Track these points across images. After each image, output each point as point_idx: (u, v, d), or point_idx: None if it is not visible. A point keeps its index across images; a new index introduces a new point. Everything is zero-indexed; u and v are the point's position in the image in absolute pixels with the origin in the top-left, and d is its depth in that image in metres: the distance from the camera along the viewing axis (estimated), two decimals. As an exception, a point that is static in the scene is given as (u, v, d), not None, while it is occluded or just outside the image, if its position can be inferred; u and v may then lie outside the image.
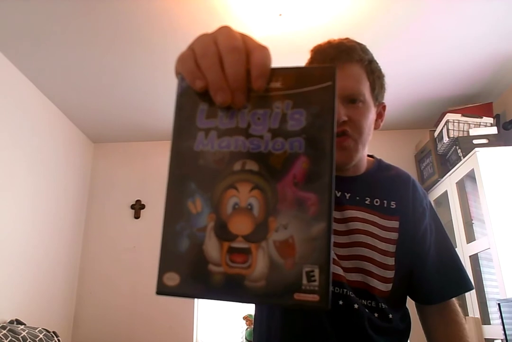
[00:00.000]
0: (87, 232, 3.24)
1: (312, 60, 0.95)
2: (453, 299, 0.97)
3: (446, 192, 2.76)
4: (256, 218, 0.39)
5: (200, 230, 0.39)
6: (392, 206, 0.91)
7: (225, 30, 0.43)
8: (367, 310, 0.86)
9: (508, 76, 2.59)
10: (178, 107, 0.43)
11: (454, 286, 0.94)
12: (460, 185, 2.60)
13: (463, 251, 2.52)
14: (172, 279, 0.40)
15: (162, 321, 2.94)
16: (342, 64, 0.88)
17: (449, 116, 2.66)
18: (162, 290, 0.40)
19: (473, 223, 2.52)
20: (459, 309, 0.97)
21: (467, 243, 2.47)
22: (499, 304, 1.96)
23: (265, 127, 0.41)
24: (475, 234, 2.48)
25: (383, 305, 0.88)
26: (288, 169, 0.39)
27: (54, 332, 2.27)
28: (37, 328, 2.17)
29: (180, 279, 0.39)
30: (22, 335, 2.00)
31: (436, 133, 2.86)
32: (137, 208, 3.25)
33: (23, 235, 2.48)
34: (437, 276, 0.93)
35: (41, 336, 2.12)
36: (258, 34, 2.16)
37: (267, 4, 1.94)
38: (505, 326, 1.91)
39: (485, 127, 2.60)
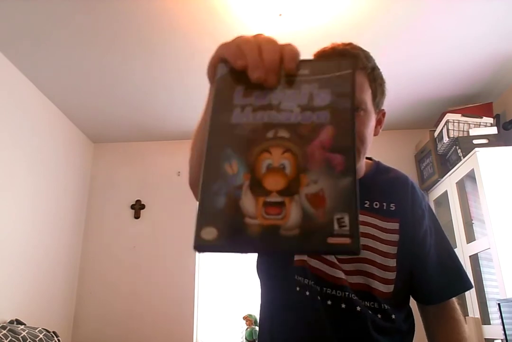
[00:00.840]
0: (87, 232, 3.24)
1: None
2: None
3: (446, 192, 2.76)
4: (288, 175, 0.42)
5: (237, 188, 0.42)
6: (392, 208, 0.92)
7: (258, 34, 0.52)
8: (370, 312, 0.87)
9: (508, 76, 2.59)
10: (217, 88, 0.48)
11: (453, 287, 0.95)
12: (460, 185, 2.60)
13: (463, 251, 2.52)
14: (210, 233, 0.41)
15: (162, 321, 2.94)
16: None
17: (449, 116, 2.66)
18: (200, 243, 0.40)
19: (473, 223, 2.52)
20: (457, 307, 0.97)
21: (467, 243, 2.47)
22: (499, 304, 1.96)
23: (295, 103, 0.46)
24: (475, 234, 2.48)
25: (385, 306, 0.89)
26: (316, 135, 0.44)
27: (54, 332, 2.27)
28: (37, 328, 2.17)
29: (218, 232, 0.40)
30: (22, 335, 2.00)
31: (436, 133, 2.86)
32: (137, 208, 3.25)
33: (23, 235, 2.48)
34: (436, 277, 0.94)
35: (41, 336, 2.11)
36: (258, 34, 2.16)
37: (267, 4, 1.94)
38: (505, 326, 1.91)
39: (485, 127, 2.60)
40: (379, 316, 0.88)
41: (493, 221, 2.17)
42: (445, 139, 2.67)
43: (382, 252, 0.89)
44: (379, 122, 0.96)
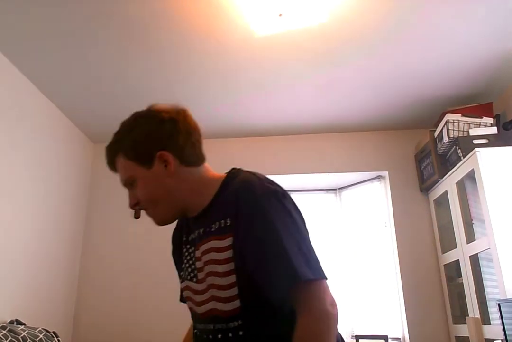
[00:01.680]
0: (87, 232, 3.24)
1: None
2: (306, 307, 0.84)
3: (446, 192, 2.76)
4: None
5: None
6: (228, 223, 0.92)
7: None
8: (224, 334, 0.91)
9: (508, 76, 2.59)
10: None
11: (282, 281, 0.84)
12: (460, 185, 2.60)
13: (463, 251, 2.52)
14: None
15: (162, 321, 2.94)
16: (112, 165, 1.04)
17: (449, 116, 2.66)
18: None
19: (473, 223, 2.52)
20: (309, 308, 0.83)
21: (467, 243, 2.47)
22: (499, 304, 1.96)
23: None
24: (475, 234, 2.48)
25: (236, 323, 0.90)
26: None
27: (54, 332, 2.27)
28: (37, 328, 2.17)
29: None
30: (22, 335, 2.00)
31: (436, 133, 2.86)
32: (137, 208, 3.24)
33: (23, 235, 2.48)
34: (261, 274, 0.87)
35: (41, 336, 2.11)
36: (258, 34, 2.16)
37: (267, 4, 1.94)
38: (505, 326, 1.91)
39: (485, 127, 2.60)
40: (230, 335, 0.90)
41: (493, 221, 2.17)
42: (445, 139, 2.67)
43: (222, 273, 0.89)
44: (165, 163, 0.97)
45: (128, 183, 1.01)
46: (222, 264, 0.90)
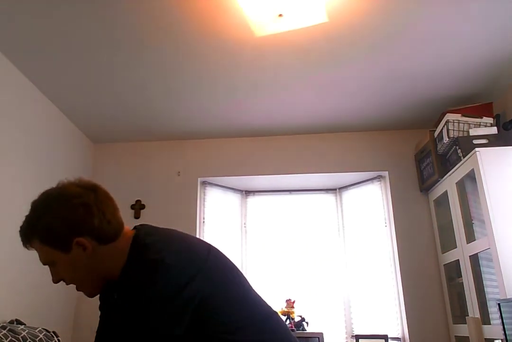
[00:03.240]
0: (87, 232, 3.23)
1: None
2: None
3: (446, 192, 2.76)
4: None
5: None
6: (115, 297, 1.02)
7: None
8: None
9: (508, 76, 2.59)
10: None
11: None
12: (460, 185, 2.60)
13: (463, 251, 2.52)
14: None
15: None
16: (28, 246, 1.02)
17: (449, 116, 2.66)
18: None
19: (473, 223, 2.52)
20: None
21: (467, 243, 2.48)
22: (499, 304, 1.96)
23: None
24: (475, 234, 2.48)
25: None
26: None
27: (54, 332, 2.26)
28: (37, 328, 2.17)
29: None
30: (22, 335, 2.00)
31: (436, 133, 2.86)
32: (137, 208, 3.25)
33: (23, 235, 2.48)
34: None
35: (41, 336, 2.11)
36: (258, 34, 2.16)
37: (267, 4, 1.94)
38: (505, 326, 1.91)
39: (485, 127, 2.60)
40: None
41: (493, 221, 2.17)
42: (445, 139, 2.67)
43: None
44: (83, 248, 0.98)
45: (47, 264, 1.03)
46: None
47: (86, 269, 1.01)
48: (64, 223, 0.98)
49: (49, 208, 1.00)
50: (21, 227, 1.05)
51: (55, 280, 1.04)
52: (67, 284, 1.04)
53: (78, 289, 1.05)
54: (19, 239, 1.06)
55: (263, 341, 0.96)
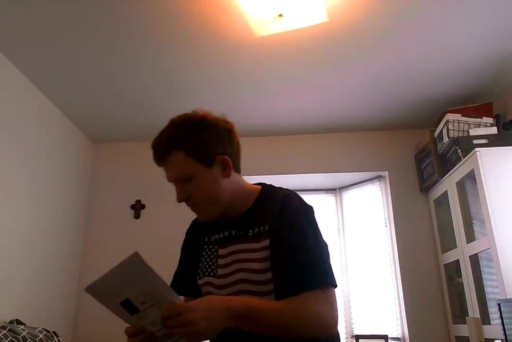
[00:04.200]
0: (87, 232, 3.24)
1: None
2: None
3: (446, 192, 2.76)
4: None
5: None
6: (266, 228, 1.04)
7: None
8: None
9: (508, 76, 2.59)
10: None
11: (301, 282, 0.96)
12: (460, 185, 2.60)
13: (463, 251, 2.52)
14: None
15: (162, 321, 2.94)
16: (163, 160, 1.06)
17: (449, 116, 2.66)
18: None
19: (473, 223, 2.52)
20: (305, 302, 0.95)
21: (467, 243, 2.47)
22: (499, 304, 1.96)
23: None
24: (475, 234, 2.48)
25: None
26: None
27: (54, 332, 2.26)
28: (37, 328, 2.17)
29: None
30: (22, 335, 2.00)
31: (436, 133, 2.86)
32: (137, 208, 3.25)
33: (23, 235, 2.48)
34: (288, 272, 0.98)
35: (41, 336, 2.11)
36: (258, 34, 2.16)
37: (267, 4, 1.94)
38: (505, 326, 1.91)
39: (485, 127, 2.60)
40: None
41: (493, 221, 2.17)
42: (445, 139, 2.67)
43: (257, 270, 1.01)
44: (224, 166, 1.07)
45: (183, 179, 1.04)
46: (259, 262, 1.01)
47: (220, 189, 1.06)
48: (214, 139, 1.06)
49: (200, 125, 1.07)
50: (158, 141, 1.07)
51: (182, 198, 1.05)
52: (189, 204, 1.07)
53: (198, 209, 1.07)
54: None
55: None
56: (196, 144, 1.04)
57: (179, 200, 1.06)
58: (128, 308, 0.83)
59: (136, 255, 0.84)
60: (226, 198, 1.07)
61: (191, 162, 1.03)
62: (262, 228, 1.05)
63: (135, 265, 0.83)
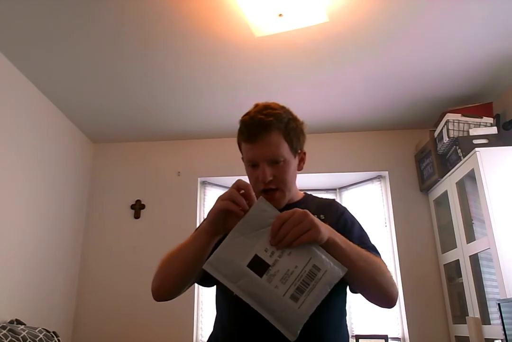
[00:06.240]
0: (87, 232, 3.24)
1: (240, 132, 1.11)
2: None
3: (446, 192, 2.76)
4: None
5: None
6: (322, 217, 1.11)
7: None
8: None
9: (508, 76, 2.59)
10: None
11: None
12: (460, 185, 2.60)
13: (463, 251, 2.52)
14: None
15: (162, 321, 2.94)
16: (262, 136, 1.05)
17: (449, 116, 2.66)
18: None
19: (473, 223, 2.52)
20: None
21: (467, 243, 2.47)
22: (499, 304, 1.96)
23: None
24: (475, 234, 2.48)
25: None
26: None
27: (54, 332, 2.26)
28: (37, 328, 2.17)
29: None
30: (22, 335, 2.00)
31: (436, 133, 2.86)
32: (137, 208, 3.25)
33: (23, 235, 2.48)
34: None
35: (41, 336, 2.11)
36: (258, 34, 2.16)
37: (267, 4, 1.94)
38: (505, 326, 1.91)
39: (485, 127, 2.60)
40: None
41: (493, 221, 2.17)
42: (445, 139, 2.67)
43: None
44: (301, 160, 1.16)
45: (273, 160, 1.05)
46: None
47: (295, 179, 1.15)
48: (302, 132, 1.13)
49: (295, 116, 1.14)
50: (261, 118, 1.06)
51: (267, 178, 1.05)
52: (272, 186, 1.07)
53: (276, 195, 1.09)
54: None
55: None
56: (293, 132, 1.09)
57: (266, 179, 1.04)
58: (257, 268, 0.78)
59: (262, 200, 0.82)
60: (295, 189, 1.16)
61: (285, 147, 1.07)
62: (316, 216, 1.04)
63: (263, 209, 0.81)
